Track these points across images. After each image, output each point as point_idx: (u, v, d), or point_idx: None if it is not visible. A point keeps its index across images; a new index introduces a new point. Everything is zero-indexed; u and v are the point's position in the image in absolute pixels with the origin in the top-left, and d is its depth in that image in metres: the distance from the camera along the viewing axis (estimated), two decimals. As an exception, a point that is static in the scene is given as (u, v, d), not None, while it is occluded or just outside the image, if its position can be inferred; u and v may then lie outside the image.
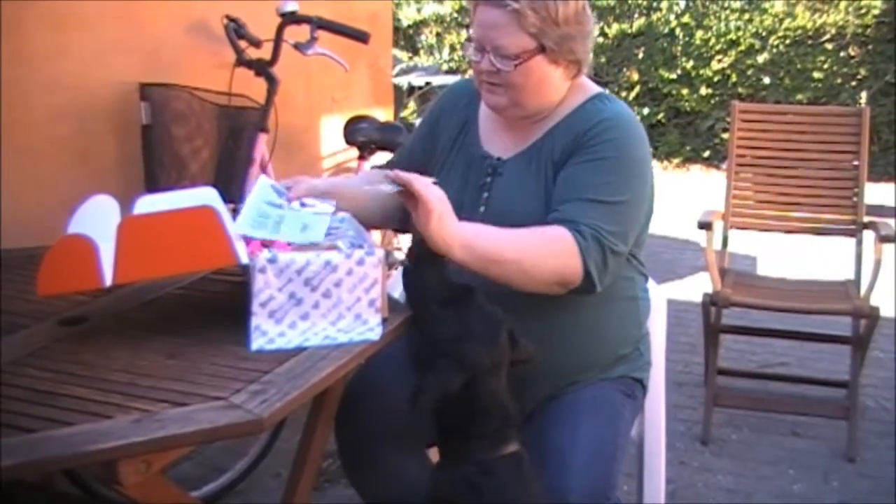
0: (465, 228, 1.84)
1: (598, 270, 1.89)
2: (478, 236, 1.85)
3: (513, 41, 1.93)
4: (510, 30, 1.92)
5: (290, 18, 3.15)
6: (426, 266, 1.87)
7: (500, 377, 1.82)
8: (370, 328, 1.80)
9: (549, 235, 1.88)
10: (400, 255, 3.97)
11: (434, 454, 2.01)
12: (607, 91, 2.11)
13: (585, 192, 1.92)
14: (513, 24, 1.91)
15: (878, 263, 3.47)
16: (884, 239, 3.50)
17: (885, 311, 3.61)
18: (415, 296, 1.91)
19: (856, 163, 3.79)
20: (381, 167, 2.37)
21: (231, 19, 3.12)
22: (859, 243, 3.73)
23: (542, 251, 1.88)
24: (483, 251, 1.84)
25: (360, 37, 3.20)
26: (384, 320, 1.84)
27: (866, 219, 3.73)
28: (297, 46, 3.18)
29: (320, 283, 1.78)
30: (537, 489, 1.81)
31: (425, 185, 1.81)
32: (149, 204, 1.95)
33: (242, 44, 3.13)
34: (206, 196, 1.98)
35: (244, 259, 1.77)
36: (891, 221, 3.71)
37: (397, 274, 3.57)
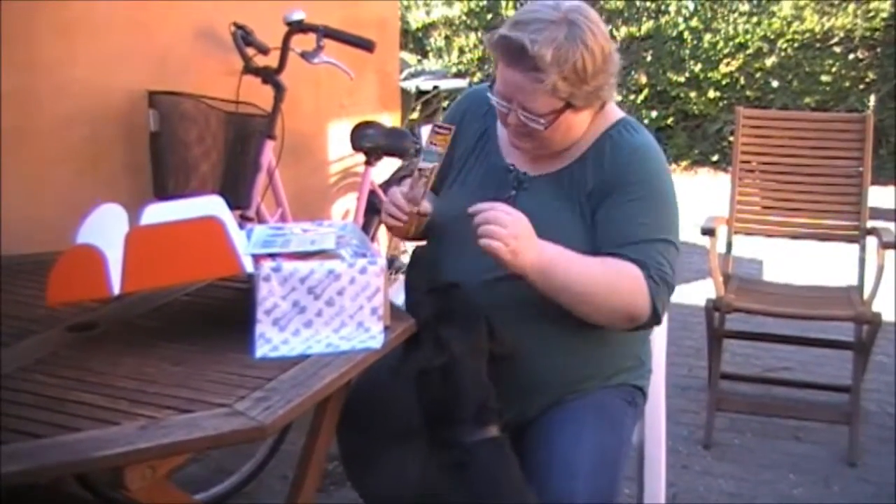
0: (544, 256, 1.91)
1: (663, 308, 1.99)
2: (556, 266, 1.92)
3: (542, 104, 1.93)
4: (539, 96, 1.92)
5: (296, 27, 3.18)
6: (421, 261, 2.04)
7: (479, 364, 1.90)
8: (372, 336, 1.83)
9: (625, 274, 1.95)
10: (406, 260, 4.02)
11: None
12: (626, 115, 2.13)
13: (643, 234, 1.98)
14: (542, 91, 1.91)
15: (880, 269, 3.49)
16: (886, 245, 3.52)
17: (888, 317, 3.64)
18: (407, 283, 2.05)
19: (860, 169, 3.80)
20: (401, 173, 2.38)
21: (239, 26, 3.16)
22: (862, 249, 3.74)
23: (615, 289, 1.95)
24: (559, 282, 1.93)
25: (366, 45, 3.23)
26: (386, 328, 1.87)
27: (869, 224, 3.74)
28: (304, 55, 3.21)
29: (323, 291, 1.81)
30: (520, 473, 1.87)
31: (495, 220, 1.87)
32: (156, 214, 1.98)
33: (250, 51, 3.16)
34: (213, 206, 2.01)
35: (249, 268, 1.80)
36: (892, 227, 3.73)
37: (401, 280, 3.60)
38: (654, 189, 2.02)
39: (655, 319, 1.99)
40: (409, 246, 4.04)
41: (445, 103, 6.95)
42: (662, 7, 9.59)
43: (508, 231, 1.87)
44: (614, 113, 2.11)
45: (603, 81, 1.96)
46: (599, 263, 1.96)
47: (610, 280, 1.95)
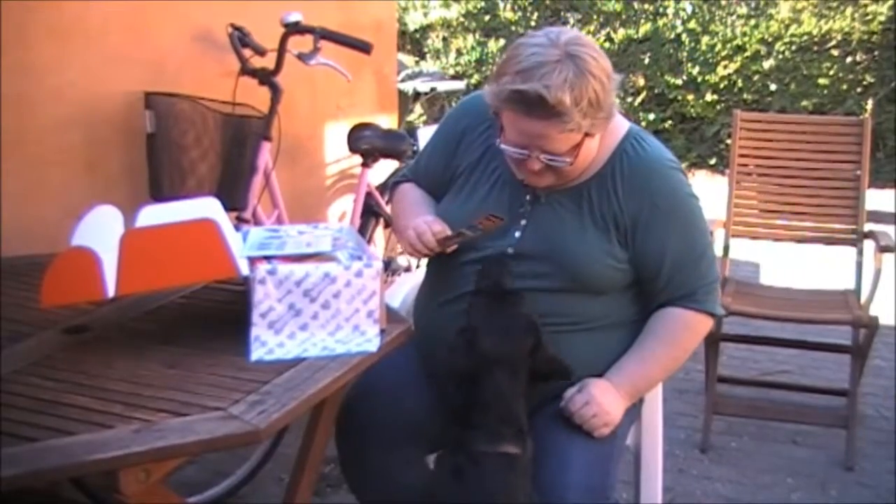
0: (625, 389, 2.07)
1: (717, 305, 2.14)
2: (636, 386, 2.11)
3: (563, 144, 1.94)
4: (561, 136, 1.92)
5: (293, 29, 3.17)
6: (493, 265, 2.02)
7: (513, 376, 1.88)
8: (368, 339, 1.83)
9: (679, 330, 2.11)
10: (403, 262, 4.02)
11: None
12: (634, 126, 2.14)
13: (686, 258, 2.07)
14: (564, 131, 1.91)
15: (877, 273, 3.49)
16: (883, 249, 3.52)
17: (885, 320, 3.63)
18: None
19: (858, 172, 3.80)
20: (397, 180, 2.38)
21: (236, 28, 3.15)
22: (860, 253, 3.74)
23: (682, 348, 2.15)
24: (649, 387, 2.19)
25: (363, 47, 3.22)
26: (382, 331, 1.86)
27: (867, 228, 3.74)
28: (301, 57, 3.21)
29: (319, 294, 1.81)
30: (524, 497, 1.85)
31: (581, 420, 2.01)
32: (151, 216, 1.98)
33: (247, 52, 3.16)
34: (208, 208, 2.01)
35: (245, 271, 1.80)
36: (891, 230, 3.73)
37: (398, 281, 3.60)
38: (679, 204, 2.09)
39: (718, 320, 2.20)
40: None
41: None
42: (660, 9, 9.59)
43: (600, 418, 2.01)
44: (621, 124, 2.12)
45: (612, 101, 1.97)
46: (657, 341, 2.10)
47: (672, 347, 2.11)
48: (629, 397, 2.07)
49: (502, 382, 1.85)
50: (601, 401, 2.00)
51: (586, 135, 1.95)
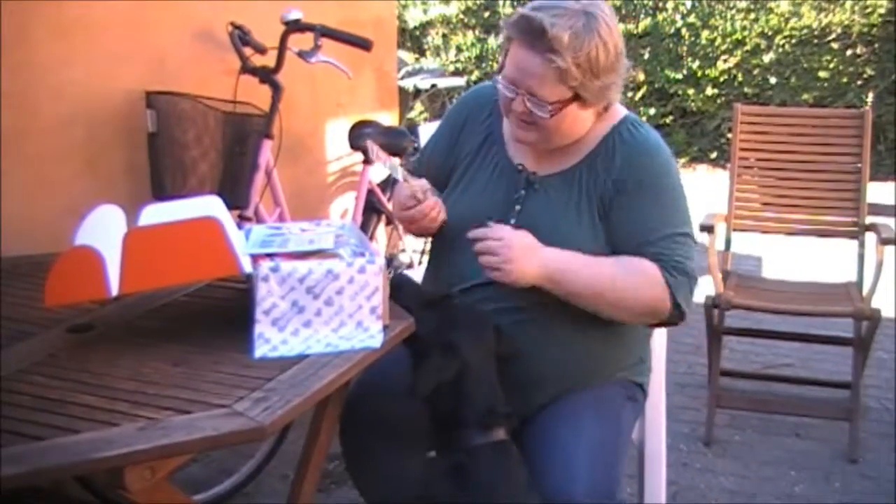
0: (549, 267, 1.96)
1: (686, 300, 2.01)
2: (564, 274, 1.97)
3: (551, 91, 1.94)
4: (549, 81, 1.92)
5: (293, 27, 3.17)
6: (404, 286, 2.05)
7: (488, 368, 1.89)
8: (371, 335, 1.83)
9: (640, 271, 1.98)
10: (406, 259, 4.02)
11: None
12: (632, 114, 2.14)
13: (659, 229, 2.01)
14: (553, 77, 1.91)
15: (879, 265, 3.49)
16: (885, 241, 3.52)
17: (887, 313, 3.63)
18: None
19: (858, 165, 3.80)
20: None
21: (236, 26, 3.15)
22: (861, 245, 3.74)
23: (631, 286, 1.99)
24: (571, 288, 1.98)
25: (363, 44, 3.22)
26: (385, 327, 1.86)
27: (868, 221, 3.74)
28: (301, 54, 3.21)
29: (322, 291, 1.81)
30: (523, 478, 1.86)
31: (486, 250, 1.95)
32: (154, 214, 1.98)
33: (247, 51, 3.16)
34: (211, 206, 2.01)
35: (248, 268, 1.80)
36: (892, 222, 3.73)
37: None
38: (666, 185, 2.05)
39: (679, 313, 2.02)
40: (409, 245, 4.04)
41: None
42: (660, 4, 9.60)
43: (502, 256, 1.94)
44: (619, 111, 2.12)
45: (612, 80, 1.98)
46: (612, 263, 1.99)
47: (624, 278, 1.98)
48: (547, 276, 1.96)
49: (485, 374, 1.87)
50: (511, 254, 1.94)
51: (576, 97, 1.95)
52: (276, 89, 3.12)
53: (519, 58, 1.95)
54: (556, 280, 1.97)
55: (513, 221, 2.06)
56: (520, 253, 1.95)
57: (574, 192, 2.05)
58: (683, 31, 9.40)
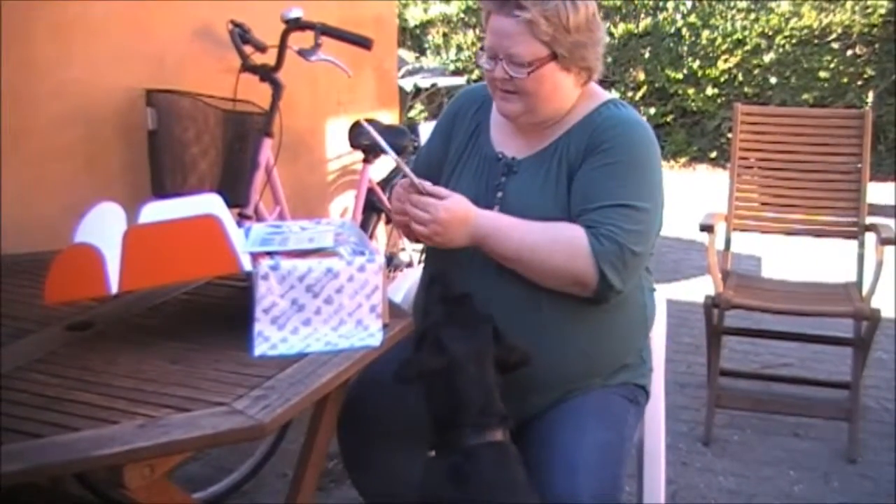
0: (479, 232, 1.97)
1: (617, 271, 1.94)
2: (492, 239, 1.98)
3: (526, 49, 1.96)
4: (523, 38, 1.95)
5: (294, 25, 3.17)
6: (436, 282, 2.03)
7: (483, 368, 1.88)
8: (371, 334, 1.83)
9: (563, 237, 1.95)
10: (405, 258, 4.02)
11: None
12: (617, 97, 2.14)
13: (604, 198, 1.97)
14: (525, 32, 1.95)
15: (879, 265, 3.49)
16: (885, 241, 3.52)
17: (887, 313, 3.63)
18: (419, 291, 2.05)
19: (858, 165, 3.80)
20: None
21: (236, 24, 3.15)
22: (861, 245, 3.74)
23: (553, 252, 1.95)
24: (501, 251, 1.98)
25: (364, 43, 3.22)
26: (385, 326, 1.87)
27: (868, 221, 3.74)
28: (301, 53, 3.20)
29: (322, 289, 1.81)
30: (522, 478, 1.86)
31: (415, 219, 1.97)
32: (154, 212, 1.98)
33: (248, 49, 3.16)
34: (210, 204, 2.01)
35: (247, 266, 1.80)
36: (891, 223, 3.73)
37: (400, 277, 3.60)
38: (629, 159, 2.02)
39: (607, 285, 1.94)
40: (408, 244, 4.04)
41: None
42: (660, 4, 9.60)
43: (429, 228, 1.96)
44: (602, 94, 2.14)
45: (586, 39, 2.00)
46: (540, 228, 1.97)
47: (545, 245, 1.96)
48: (475, 242, 1.99)
49: (475, 375, 1.86)
50: (439, 228, 1.96)
51: (553, 57, 1.97)
52: (277, 88, 3.12)
53: (493, 24, 2.00)
54: (485, 245, 1.99)
55: (496, 208, 2.06)
56: (447, 220, 1.96)
57: (553, 166, 2.06)
58: (684, 30, 9.41)
